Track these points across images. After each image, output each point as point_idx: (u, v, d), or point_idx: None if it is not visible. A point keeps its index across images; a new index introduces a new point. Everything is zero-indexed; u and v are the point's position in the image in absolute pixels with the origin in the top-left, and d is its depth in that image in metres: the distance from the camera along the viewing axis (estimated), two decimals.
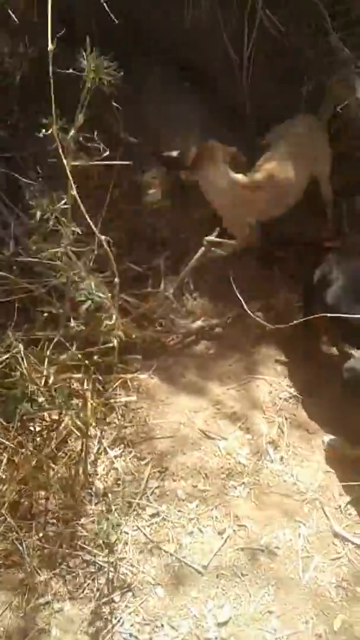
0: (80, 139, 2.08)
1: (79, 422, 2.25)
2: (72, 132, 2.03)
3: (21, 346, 2.03)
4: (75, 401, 2.33)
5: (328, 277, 2.55)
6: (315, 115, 3.14)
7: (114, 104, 2.15)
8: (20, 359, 2.02)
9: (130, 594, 1.95)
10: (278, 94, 3.46)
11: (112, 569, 1.97)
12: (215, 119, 3.52)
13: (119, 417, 2.36)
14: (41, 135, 1.92)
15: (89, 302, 2.07)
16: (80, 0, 3.18)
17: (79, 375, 2.36)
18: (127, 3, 3.20)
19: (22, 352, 2.01)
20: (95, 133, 2.18)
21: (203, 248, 2.73)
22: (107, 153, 2.20)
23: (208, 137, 3.39)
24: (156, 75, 3.51)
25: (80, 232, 2.13)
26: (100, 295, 2.08)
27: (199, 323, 2.80)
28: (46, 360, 2.22)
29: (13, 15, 2.61)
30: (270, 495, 2.27)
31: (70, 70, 1.97)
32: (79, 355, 2.33)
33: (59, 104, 2.81)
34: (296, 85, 3.44)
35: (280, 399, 2.61)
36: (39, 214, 2.05)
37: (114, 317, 2.19)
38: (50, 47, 1.86)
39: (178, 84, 3.55)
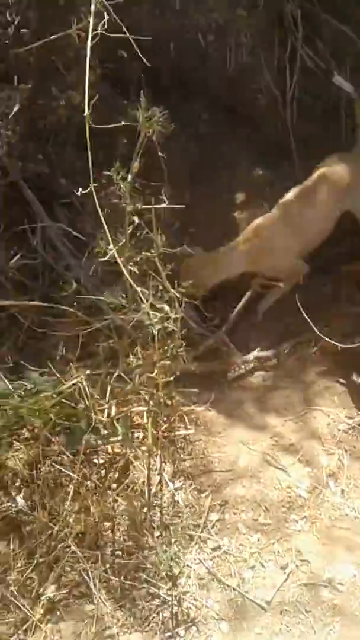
0: (136, 184, 2.21)
1: (139, 455, 2.31)
2: (129, 178, 2.15)
3: (83, 377, 2.11)
4: (136, 434, 2.41)
5: None
6: (349, 154, 3.17)
7: (161, 154, 2.26)
8: (83, 391, 2.10)
9: (194, 628, 1.95)
10: (322, 131, 3.55)
11: (175, 603, 1.98)
12: (262, 157, 3.64)
13: (178, 449, 2.40)
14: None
15: (159, 327, 2.11)
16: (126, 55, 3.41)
17: (140, 409, 2.43)
18: (172, 54, 3.41)
19: (84, 384, 2.10)
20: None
21: (250, 292, 2.80)
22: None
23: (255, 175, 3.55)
24: (202, 119, 3.67)
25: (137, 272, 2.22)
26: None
27: (254, 354, 2.84)
28: (108, 392, 2.30)
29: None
30: (332, 529, 2.24)
31: (123, 123, 2.12)
32: (140, 390, 2.41)
33: (111, 152, 2.97)
34: (339, 122, 3.53)
35: (339, 430, 2.59)
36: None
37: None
38: (86, 112, 2.00)
39: (224, 126, 3.70)
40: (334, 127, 3.53)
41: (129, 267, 2.23)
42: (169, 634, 1.92)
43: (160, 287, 2.26)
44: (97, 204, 2.03)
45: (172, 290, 2.26)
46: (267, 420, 2.62)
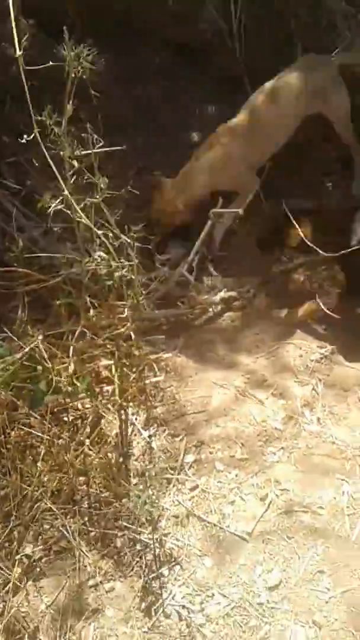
0: (73, 129, 2.11)
1: (110, 407, 2.29)
2: (63, 124, 2.05)
3: (40, 338, 2.07)
4: (105, 388, 2.38)
5: None
6: (325, 56, 3.05)
7: (93, 92, 2.15)
8: (40, 352, 2.06)
9: (178, 567, 1.97)
10: (274, 59, 3.40)
11: (157, 545, 1.99)
12: (214, 92, 3.50)
13: (149, 397, 2.38)
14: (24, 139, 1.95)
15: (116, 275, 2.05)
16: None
17: (106, 362, 2.40)
18: None
19: (40, 345, 2.06)
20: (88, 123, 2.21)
21: (210, 222, 2.72)
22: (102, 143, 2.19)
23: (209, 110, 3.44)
24: (149, 58, 3.52)
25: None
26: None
27: (221, 294, 2.79)
28: (71, 350, 2.26)
29: None
30: (310, 457, 2.24)
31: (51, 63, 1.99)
32: (106, 344, 2.37)
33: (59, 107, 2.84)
34: (292, 48, 3.37)
35: (312, 360, 2.56)
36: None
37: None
38: (18, 53, 1.88)
39: (172, 63, 3.55)
40: (287, 55, 3.38)
41: (78, 218, 2.15)
42: (153, 575, 1.94)
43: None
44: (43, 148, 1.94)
45: (123, 236, 2.19)
46: (238, 359, 2.59)
